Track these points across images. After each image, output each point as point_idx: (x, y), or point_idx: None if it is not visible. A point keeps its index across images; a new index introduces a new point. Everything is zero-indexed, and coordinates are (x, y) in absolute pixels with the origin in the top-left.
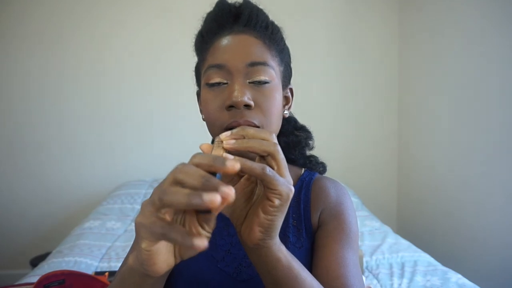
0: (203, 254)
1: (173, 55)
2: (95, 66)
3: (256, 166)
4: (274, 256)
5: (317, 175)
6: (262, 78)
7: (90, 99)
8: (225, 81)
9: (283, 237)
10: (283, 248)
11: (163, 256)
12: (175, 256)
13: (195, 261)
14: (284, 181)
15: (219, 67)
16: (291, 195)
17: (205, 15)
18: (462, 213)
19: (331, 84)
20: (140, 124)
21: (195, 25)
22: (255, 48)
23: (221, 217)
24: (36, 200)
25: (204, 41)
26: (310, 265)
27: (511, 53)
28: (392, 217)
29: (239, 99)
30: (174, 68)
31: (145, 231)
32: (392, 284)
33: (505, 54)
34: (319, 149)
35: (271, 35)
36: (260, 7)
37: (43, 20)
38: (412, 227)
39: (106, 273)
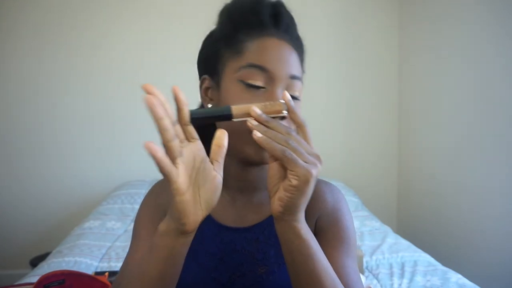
0: (195, 263)
1: (171, 53)
2: (95, 66)
3: (277, 147)
4: (292, 231)
5: None
6: (297, 94)
7: (90, 99)
8: (264, 86)
9: (277, 246)
10: (304, 228)
11: (193, 207)
12: (201, 209)
13: (187, 271)
14: (304, 164)
15: (263, 70)
16: (311, 178)
17: None
18: (462, 213)
19: (333, 84)
20: (140, 123)
21: (192, 24)
22: (295, 60)
23: (213, 224)
24: (36, 200)
25: (239, 32)
26: None
27: None
28: (392, 217)
29: None
30: (173, 67)
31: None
32: (392, 284)
33: (508, 56)
34: (319, 148)
35: (301, 46)
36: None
37: (40, 22)
38: (412, 227)
39: (106, 273)
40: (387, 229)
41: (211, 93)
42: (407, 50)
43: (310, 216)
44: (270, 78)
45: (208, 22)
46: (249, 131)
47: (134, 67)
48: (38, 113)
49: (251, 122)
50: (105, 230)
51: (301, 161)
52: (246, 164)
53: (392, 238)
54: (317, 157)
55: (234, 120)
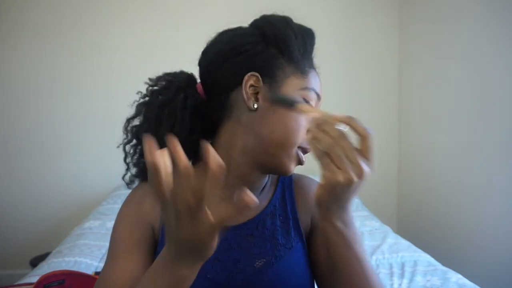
0: None
1: (171, 54)
2: (95, 66)
3: (317, 151)
4: (331, 227)
5: (294, 174)
6: None
7: (90, 99)
8: None
9: (272, 240)
10: (343, 226)
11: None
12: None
13: None
14: (336, 170)
15: (319, 97)
16: (337, 185)
17: (296, 29)
18: (462, 212)
19: (333, 84)
20: None
21: (193, 24)
22: None
23: None
24: (36, 200)
25: (305, 58)
26: (305, 264)
27: None
28: (392, 217)
29: None
30: (173, 67)
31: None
32: (392, 284)
33: (508, 56)
34: None
35: None
36: None
37: (40, 22)
38: (412, 227)
39: None
40: (387, 229)
41: (260, 96)
42: (407, 50)
43: (303, 213)
44: (317, 105)
45: (208, 22)
46: (293, 146)
47: (134, 67)
48: (38, 113)
49: (311, 126)
50: (105, 230)
51: (333, 167)
52: (264, 171)
53: (392, 238)
54: (360, 170)
55: (293, 110)
